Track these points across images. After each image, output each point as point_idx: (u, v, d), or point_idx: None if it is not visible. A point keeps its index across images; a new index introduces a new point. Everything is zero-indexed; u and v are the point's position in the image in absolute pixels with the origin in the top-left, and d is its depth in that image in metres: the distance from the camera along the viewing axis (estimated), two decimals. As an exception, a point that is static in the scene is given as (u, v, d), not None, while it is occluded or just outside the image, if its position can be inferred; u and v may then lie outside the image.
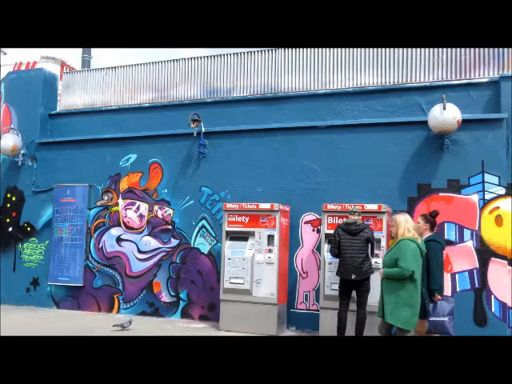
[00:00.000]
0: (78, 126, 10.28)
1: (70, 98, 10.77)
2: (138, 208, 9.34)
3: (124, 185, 9.51)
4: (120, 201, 9.49)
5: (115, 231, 9.44)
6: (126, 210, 9.42)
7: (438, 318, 5.38)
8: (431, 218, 5.83)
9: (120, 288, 9.26)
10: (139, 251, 9.22)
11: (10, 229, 10.24)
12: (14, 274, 10.12)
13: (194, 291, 8.76)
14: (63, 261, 9.63)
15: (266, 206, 7.74)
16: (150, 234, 9.19)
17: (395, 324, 4.99)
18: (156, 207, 9.21)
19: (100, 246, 9.52)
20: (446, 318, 5.36)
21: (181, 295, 8.87)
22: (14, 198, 10.35)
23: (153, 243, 9.14)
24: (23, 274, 10.02)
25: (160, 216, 9.16)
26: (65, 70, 10.86)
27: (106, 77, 10.51)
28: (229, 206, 7.94)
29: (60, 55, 27.64)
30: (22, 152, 10.16)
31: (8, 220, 10.30)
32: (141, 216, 9.29)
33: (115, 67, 10.46)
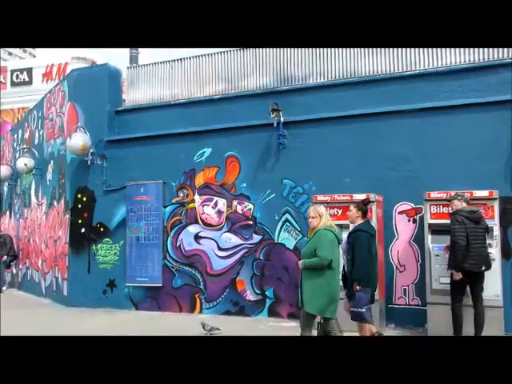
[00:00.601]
0: (145, 121, 9.99)
1: (135, 94, 10.50)
2: (215, 204, 9.01)
3: (200, 180, 9.19)
4: (196, 197, 9.18)
5: (193, 228, 9.15)
6: (203, 206, 9.11)
7: (356, 309, 5.39)
8: (363, 206, 5.75)
9: (201, 287, 8.97)
10: (219, 248, 8.90)
11: (83, 230, 10.06)
12: (89, 276, 9.94)
13: (281, 288, 8.40)
14: (141, 261, 9.39)
15: (360, 196, 7.29)
16: (229, 231, 8.86)
17: (312, 312, 5.07)
18: (235, 202, 8.87)
19: (178, 244, 9.24)
20: (364, 309, 5.36)
21: (267, 293, 8.52)
22: (84, 199, 10.15)
23: (233, 240, 8.80)
24: (98, 275, 9.84)
25: (240, 211, 8.81)
26: (129, 65, 10.45)
27: (173, 70, 10.18)
28: (319, 198, 7.53)
29: (91, 55, 27.61)
30: (90, 151, 9.92)
31: (80, 221, 10.12)
32: (219, 212, 8.96)
33: (181, 59, 10.13)
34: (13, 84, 26.89)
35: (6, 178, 14.68)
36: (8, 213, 15.81)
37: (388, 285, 7.64)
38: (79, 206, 10.20)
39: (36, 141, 12.94)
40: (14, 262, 14.15)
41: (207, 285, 8.94)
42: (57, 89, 11.47)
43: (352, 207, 5.77)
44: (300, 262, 5.28)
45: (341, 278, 5.55)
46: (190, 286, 9.09)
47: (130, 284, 9.51)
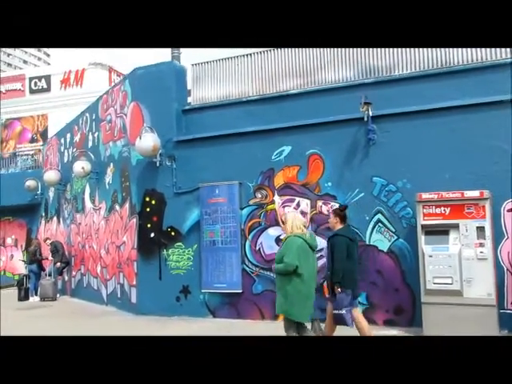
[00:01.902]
0: (214, 120, 9.54)
1: (201, 92, 10.07)
2: (298, 205, 8.52)
3: (279, 180, 8.71)
4: (276, 198, 8.70)
5: (273, 231, 8.67)
6: (283, 207, 8.62)
7: (337, 311, 5.65)
8: (340, 212, 6.18)
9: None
10: (304, 252, 8.38)
11: (152, 234, 9.63)
12: (161, 282, 9.51)
13: (376, 293, 7.88)
14: (218, 266, 8.94)
15: (473, 193, 6.77)
16: (315, 233, 8.33)
17: (290, 317, 5.22)
18: (319, 203, 8.37)
19: (257, 247, 8.77)
20: (344, 311, 5.58)
21: (359, 298, 7.99)
22: (153, 202, 9.73)
23: (320, 242, 8.28)
24: (171, 282, 9.40)
25: (325, 212, 8.30)
26: (192, 67, 10.02)
27: (241, 66, 9.72)
28: (424, 196, 7.02)
29: (108, 61, 27.48)
30: (159, 152, 9.50)
31: (149, 225, 9.70)
32: (302, 213, 8.45)
33: (250, 54, 9.67)
34: (31, 91, 26.91)
35: (54, 183, 14.38)
36: (55, 218, 15.49)
37: (500, 289, 7.07)
38: (147, 209, 9.78)
39: (90, 144, 12.58)
40: (66, 268, 13.81)
41: (292, 290, 8.43)
42: (116, 89, 11.08)
43: (331, 214, 6.32)
44: (273, 266, 5.52)
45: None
46: (272, 291, 8.54)
47: (207, 290, 9.06)
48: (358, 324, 6.02)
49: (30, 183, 16.64)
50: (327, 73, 9.02)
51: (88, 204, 12.67)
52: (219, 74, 9.94)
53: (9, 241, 18.91)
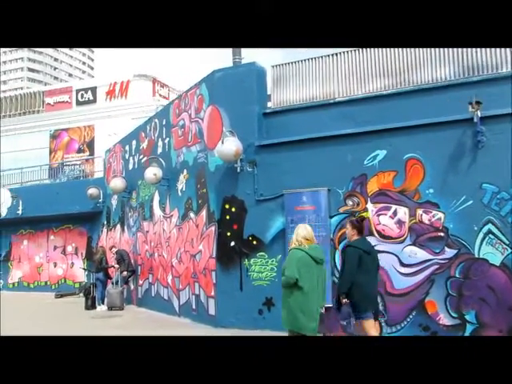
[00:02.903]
0: (298, 123, 9.05)
1: (282, 94, 9.61)
2: (394, 213, 7.90)
3: (373, 187, 8.11)
4: (369, 206, 8.10)
5: (367, 241, 8.04)
6: (378, 216, 8.01)
7: (343, 322, 5.77)
8: (357, 224, 6.10)
9: (380, 308, 7.82)
10: (402, 264, 7.76)
11: (233, 243, 9.18)
12: (242, 293, 9.03)
13: (487, 311, 7.15)
14: (305, 278, 8.35)
15: None
16: (414, 244, 7.71)
17: (293, 330, 5.20)
18: (419, 211, 7.72)
19: (348, 259, 8.14)
20: (344, 322, 5.74)
21: (467, 317, 7.29)
22: (233, 209, 9.29)
23: (419, 254, 7.65)
24: (253, 293, 8.90)
25: (426, 221, 7.65)
26: (272, 68, 9.58)
27: (326, 66, 9.22)
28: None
29: (152, 72, 27.63)
30: (240, 157, 9.06)
31: (229, 234, 9.25)
32: (399, 222, 7.84)
33: (336, 54, 9.15)
34: (78, 103, 27.29)
35: (120, 191, 14.19)
36: (119, 226, 15.31)
37: None
38: (227, 217, 9.34)
39: (159, 150, 12.31)
40: (132, 277, 13.55)
41: (388, 306, 7.81)
42: (190, 93, 10.75)
43: (347, 225, 6.18)
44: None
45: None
46: (365, 306, 7.96)
47: (292, 304, 8.48)
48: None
49: (92, 191, 16.56)
50: (421, 72, 8.40)
51: (157, 212, 12.37)
52: (302, 75, 9.46)
53: (69, 249, 18.92)
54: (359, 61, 8.95)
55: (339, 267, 6.10)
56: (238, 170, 9.15)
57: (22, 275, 19.76)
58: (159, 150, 12.32)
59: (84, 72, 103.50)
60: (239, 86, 9.39)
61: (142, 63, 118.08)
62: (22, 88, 54.50)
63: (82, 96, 27.58)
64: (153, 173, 11.34)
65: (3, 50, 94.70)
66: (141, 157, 13.59)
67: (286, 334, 5.44)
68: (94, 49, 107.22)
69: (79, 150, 27.29)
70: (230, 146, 8.80)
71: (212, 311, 9.47)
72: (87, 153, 26.54)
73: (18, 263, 19.92)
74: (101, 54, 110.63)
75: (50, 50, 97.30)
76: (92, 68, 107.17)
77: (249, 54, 12.22)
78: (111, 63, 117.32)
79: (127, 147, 14.83)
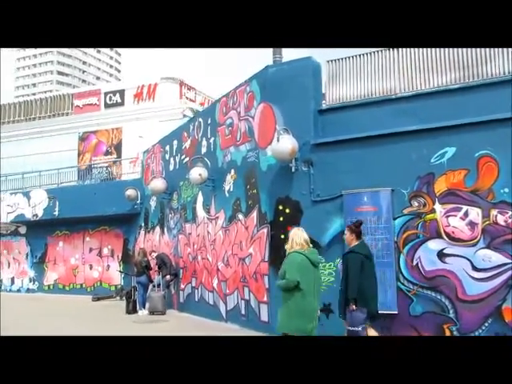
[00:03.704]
0: (357, 120, 8.62)
1: (337, 90, 9.18)
2: (465, 214, 7.40)
3: (441, 186, 7.62)
4: (437, 206, 7.61)
5: (435, 244, 7.57)
6: (447, 217, 7.52)
7: (352, 328, 5.78)
8: (355, 229, 6.34)
9: (451, 316, 7.35)
10: (475, 268, 7.25)
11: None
12: (297, 298, 8.59)
13: None
14: (367, 283, 7.91)
15: None
16: (488, 247, 7.19)
17: (289, 332, 5.27)
18: (494, 212, 7.20)
19: (414, 263, 7.69)
20: (360, 328, 5.77)
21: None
22: (287, 210, 8.90)
23: (495, 258, 7.13)
24: (309, 298, 8.45)
25: (502, 223, 7.13)
26: (327, 63, 9.13)
27: (385, 61, 8.77)
28: None
29: (180, 74, 27.53)
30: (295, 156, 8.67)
31: (283, 236, 8.82)
32: (471, 224, 7.33)
33: (396, 48, 8.68)
34: (106, 106, 27.38)
35: (160, 192, 13.94)
36: (158, 228, 15.06)
37: None
38: (281, 218, 8.95)
39: (203, 150, 12.00)
40: (174, 280, 13.25)
41: (460, 313, 7.30)
42: (239, 91, 10.41)
43: (346, 231, 6.43)
44: (277, 283, 5.70)
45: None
46: (434, 313, 7.49)
47: (353, 310, 8.04)
48: None
49: (131, 192, 16.36)
50: (492, 65, 7.89)
51: (201, 213, 12.04)
52: (359, 70, 9.02)
53: (105, 251, 18.76)
54: (422, 55, 8.48)
55: (341, 273, 6.32)
56: (293, 169, 8.75)
57: (57, 277, 19.67)
58: (203, 150, 12.01)
59: (111, 75, 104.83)
60: (294, 82, 9.01)
61: (167, 66, 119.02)
62: (51, 91, 55.21)
63: (111, 98, 27.66)
64: (198, 173, 11.02)
65: (33, 53, 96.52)
66: (183, 157, 13.31)
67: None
68: (120, 52, 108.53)
69: (107, 153, 27.30)
70: (286, 144, 8.41)
71: (265, 317, 9.08)
72: (114, 155, 26.50)
73: (54, 265, 19.84)
74: (127, 56, 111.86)
75: (79, 54, 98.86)
76: (119, 71, 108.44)
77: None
78: (138, 66, 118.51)
79: (167, 147, 14.59)
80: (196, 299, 12.05)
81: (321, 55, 9.47)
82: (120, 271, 17.93)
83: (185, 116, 24.62)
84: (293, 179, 8.86)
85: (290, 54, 10.67)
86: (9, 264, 21.01)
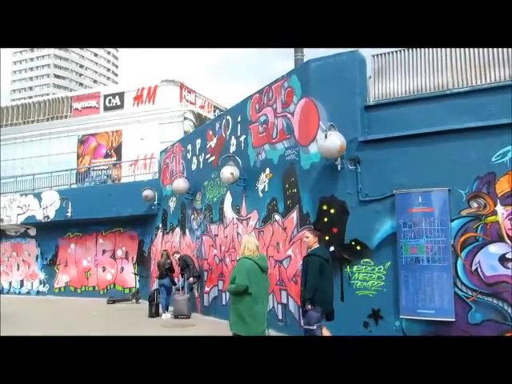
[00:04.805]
0: (404, 116, 8.23)
1: (383, 86, 8.76)
2: (531, 216, 6.97)
3: (503, 187, 7.20)
4: (499, 208, 7.19)
5: (496, 248, 7.15)
6: (510, 219, 7.10)
7: (308, 326, 6.11)
8: (318, 233, 6.85)
9: (513, 324, 6.91)
10: (543, 274, 6.82)
11: (332, 248, 8.33)
12: (343, 304, 8.17)
13: None
14: (422, 288, 7.50)
15: None
16: (554, 252, 6.77)
17: (241, 334, 5.46)
18: None
19: (474, 268, 7.27)
20: (315, 327, 6.07)
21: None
22: (332, 211, 8.47)
23: None
24: (357, 304, 8.04)
25: None
26: (372, 58, 8.72)
27: (437, 55, 8.36)
28: None
29: (180, 77, 27.31)
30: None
31: (327, 237, 8.41)
32: (537, 227, 6.91)
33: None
34: (106, 108, 27.09)
35: (182, 192, 13.50)
36: (179, 230, 14.59)
37: None
38: (325, 219, 8.52)
39: (233, 148, 11.57)
40: (197, 283, 12.78)
41: (524, 321, 6.86)
42: (275, 86, 9.98)
43: (309, 234, 6.77)
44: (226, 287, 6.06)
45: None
46: (495, 322, 7.06)
47: (406, 316, 7.62)
48: None
49: (148, 193, 15.93)
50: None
51: (229, 214, 11.60)
52: (407, 65, 8.61)
53: (119, 253, 18.28)
54: (474, 49, 8.08)
55: (301, 274, 6.67)
56: (339, 167, 8.33)
57: (68, 280, 19.18)
58: (232, 149, 11.58)
59: (109, 78, 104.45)
60: (340, 77, 8.61)
61: (165, 70, 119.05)
62: (47, 94, 54.60)
63: (110, 101, 27.30)
64: (230, 172, 10.60)
65: (30, 56, 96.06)
66: (207, 156, 12.87)
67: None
68: (118, 56, 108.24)
69: (107, 155, 26.89)
70: (335, 140, 7.99)
71: (306, 322, 8.62)
72: (114, 158, 26.08)
73: (65, 267, 19.35)
74: (125, 60, 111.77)
75: (75, 57, 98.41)
76: (116, 75, 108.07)
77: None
78: (135, 70, 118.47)
79: (189, 146, 14.14)
80: (223, 303, 11.57)
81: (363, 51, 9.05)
82: (135, 274, 17.46)
83: (185, 119, 24.36)
84: (338, 178, 8.43)
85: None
86: (18, 266, 20.49)
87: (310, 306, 6.16)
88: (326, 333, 6.55)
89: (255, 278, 5.63)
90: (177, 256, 12.94)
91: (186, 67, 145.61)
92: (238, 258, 5.92)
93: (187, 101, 26.87)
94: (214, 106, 29.77)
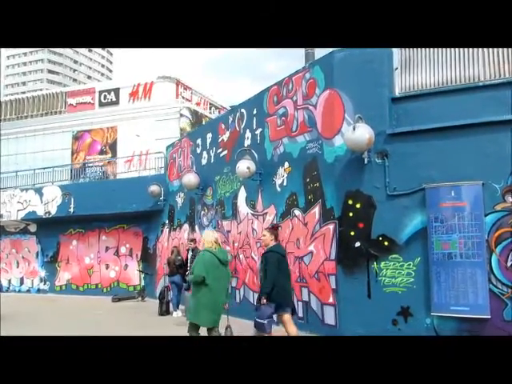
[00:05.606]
0: (433, 109, 7.99)
1: (410, 78, 8.53)
2: None
3: (540, 180, 7.00)
4: (536, 202, 6.98)
5: (533, 244, 6.93)
6: (547, 214, 6.89)
7: (259, 320, 6.29)
8: (274, 231, 6.97)
9: None
10: None
11: (358, 244, 8.10)
12: (370, 301, 7.94)
13: None
14: (455, 284, 7.28)
15: None
16: None
17: (198, 323, 6.10)
18: None
19: (509, 263, 7.07)
20: (265, 321, 6.27)
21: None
22: (358, 205, 8.22)
23: None
24: (385, 301, 7.81)
25: None
26: (399, 50, 8.50)
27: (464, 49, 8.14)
28: None
29: (176, 74, 27.20)
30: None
31: (352, 233, 8.18)
32: None
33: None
34: (101, 104, 26.89)
35: (193, 187, 13.20)
36: (187, 226, 14.29)
37: None
38: (350, 214, 8.27)
39: (247, 142, 11.29)
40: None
41: None
42: (295, 78, 9.72)
43: (266, 232, 6.96)
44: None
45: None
46: (532, 320, 6.84)
47: (438, 313, 7.40)
48: (289, 329, 6.60)
49: (154, 188, 15.60)
50: None
51: (243, 209, 11.33)
52: (435, 57, 8.38)
53: (123, 250, 17.93)
54: (506, 40, 7.86)
55: (259, 271, 7.06)
56: (365, 161, 8.09)
57: (70, 277, 18.78)
58: (247, 142, 11.30)
59: (103, 74, 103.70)
60: (367, 68, 8.37)
61: (160, 67, 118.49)
62: (41, 89, 53.96)
63: (105, 97, 27.01)
64: (246, 166, 10.32)
65: (23, 51, 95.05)
66: (219, 150, 12.59)
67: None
68: (112, 51, 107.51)
69: (101, 152, 26.57)
70: (363, 133, 7.74)
71: (330, 320, 8.39)
72: (109, 154, 25.76)
73: (67, 264, 18.94)
74: (119, 56, 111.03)
75: (69, 52, 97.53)
76: (111, 71, 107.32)
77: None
78: (130, 66, 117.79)
79: (198, 141, 13.85)
80: (238, 300, 11.30)
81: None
82: (140, 271, 17.15)
83: (182, 116, 24.09)
84: (365, 172, 8.19)
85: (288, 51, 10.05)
86: (18, 263, 20.07)
87: (265, 301, 6.33)
88: (288, 321, 6.67)
89: (213, 269, 6.03)
90: (192, 244, 12.50)
91: (182, 64, 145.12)
92: (199, 250, 5.99)
93: (183, 98, 26.64)
94: (210, 104, 29.54)
